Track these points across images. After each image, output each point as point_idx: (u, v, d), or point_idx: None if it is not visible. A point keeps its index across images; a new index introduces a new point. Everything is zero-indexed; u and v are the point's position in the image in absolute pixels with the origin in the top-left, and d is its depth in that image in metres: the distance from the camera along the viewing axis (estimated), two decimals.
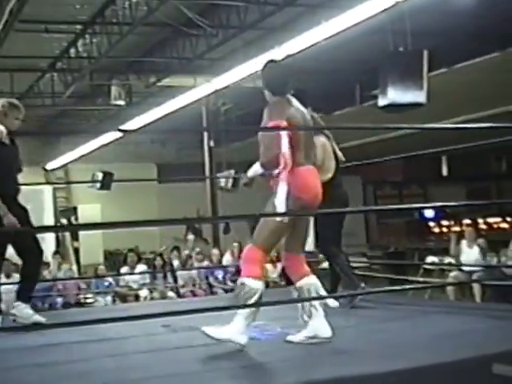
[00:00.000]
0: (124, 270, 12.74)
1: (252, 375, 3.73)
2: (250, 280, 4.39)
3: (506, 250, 10.98)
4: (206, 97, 14.70)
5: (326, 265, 12.09)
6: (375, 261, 15.48)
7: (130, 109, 15.00)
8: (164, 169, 22.23)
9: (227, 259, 13.32)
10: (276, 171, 4.41)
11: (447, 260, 11.76)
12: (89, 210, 18.75)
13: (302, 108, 4.74)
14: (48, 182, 20.04)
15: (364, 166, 7.51)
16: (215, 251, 13.62)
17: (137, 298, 12.03)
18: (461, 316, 5.47)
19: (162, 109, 14.86)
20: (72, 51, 12.60)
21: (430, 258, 12.38)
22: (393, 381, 3.60)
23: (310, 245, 7.84)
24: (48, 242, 16.41)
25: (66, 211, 20.48)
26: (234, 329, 4.32)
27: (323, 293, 4.70)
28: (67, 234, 17.64)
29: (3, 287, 11.60)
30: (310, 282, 4.62)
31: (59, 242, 17.58)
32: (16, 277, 12.23)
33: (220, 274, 12.67)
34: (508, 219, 22.23)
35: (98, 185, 13.95)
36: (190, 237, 14.46)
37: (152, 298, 11.88)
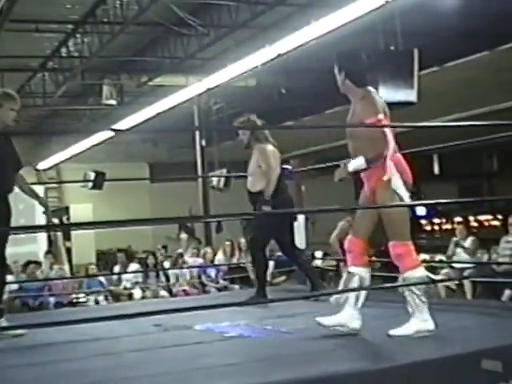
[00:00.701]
0: (117, 269, 12.74)
1: (243, 373, 3.75)
2: (411, 272, 4.48)
3: (496, 247, 11.02)
4: (198, 96, 14.70)
5: (318, 263, 12.16)
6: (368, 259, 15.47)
7: (121, 108, 15.00)
8: (156, 168, 22.24)
9: (219, 258, 13.34)
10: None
11: (438, 257, 11.79)
12: (81, 210, 18.71)
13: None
14: (40, 182, 19.98)
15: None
16: (208, 250, 13.63)
17: (129, 297, 12.03)
18: (452, 313, 5.50)
19: (153, 108, 14.86)
20: (63, 51, 12.60)
21: (421, 256, 12.40)
22: (383, 378, 3.63)
23: (301, 243, 7.90)
24: (40, 241, 16.38)
25: (58, 211, 20.43)
26: (420, 321, 4.42)
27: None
28: (59, 234, 17.59)
29: None
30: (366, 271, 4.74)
31: (51, 242, 17.54)
32: (8, 278, 12.25)
33: (212, 272, 12.68)
34: (499, 217, 22.25)
35: (90, 184, 13.95)
36: (184, 236, 14.45)
37: (144, 297, 11.89)
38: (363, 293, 4.61)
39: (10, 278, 12.15)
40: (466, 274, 10.60)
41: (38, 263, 12.89)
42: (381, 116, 4.56)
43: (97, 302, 11.86)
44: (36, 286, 11.96)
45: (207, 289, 12.35)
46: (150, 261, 12.92)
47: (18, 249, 15.84)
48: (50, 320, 5.58)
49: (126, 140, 19.77)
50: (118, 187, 15.88)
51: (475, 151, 22.06)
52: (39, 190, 19.24)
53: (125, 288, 12.24)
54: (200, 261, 12.93)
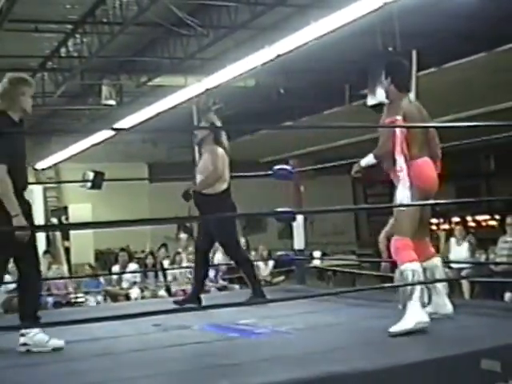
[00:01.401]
0: (115, 269, 12.75)
1: (242, 373, 3.77)
2: (406, 265, 4.69)
3: (494, 248, 11.05)
4: (197, 96, 14.71)
5: (317, 262, 12.19)
6: (365, 259, 15.52)
7: (120, 108, 15.00)
8: (155, 168, 22.23)
9: (218, 258, 13.34)
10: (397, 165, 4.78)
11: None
12: (80, 210, 18.71)
13: (417, 103, 5.17)
14: (38, 182, 19.97)
15: (354, 164, 7.52)
16: None
17: (128, 297, 12.04)
18: None
19: (152, 108, 14.86)
20: (63, 51, 12.59)
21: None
22: (382, 378, 3.65)
23: (300, 243, 7.93)
24: (39, 241, 16.37)
25: (57, 211, 20.44)
26: (413, 313, 4.55)
27: (444, 275, 5.13)
28: (58, 234, 17.60)
29: None
30: (434, 264, 5.06)
31: (50, 242, 17.54)
32: (6, 278, 12.25)
33: (212, 272, 12.69)
34: (497, 217, 22.25)
35: (89, 184, 13.93)
36: (183, 236, 14.44)
37: (143, 297, 11.90)
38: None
39: (8, 277, 12.18)
40: (463, 273, 10.63)
41: None
42: (398, 117, 4.81)
43: (98, 303, 11.86)
44: None
45: (207, 288, 12.36)
46: (149, 261, 12.94)
47: None
48: (49, 320, 5.60)
49: (125, 140, 19.77)
50: (117, 187, 15.85)
51: (473, 151, 22.07)
52: (38, 189, 19.30)
53: (121, 288, 12.25)
54: None
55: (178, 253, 13.26)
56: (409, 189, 4.79)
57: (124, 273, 12.30)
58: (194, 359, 4.00)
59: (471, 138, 6.42)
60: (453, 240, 11.42)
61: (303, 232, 7.94)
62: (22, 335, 4.58)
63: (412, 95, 8.75)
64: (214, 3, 10.56)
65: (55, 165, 20.55)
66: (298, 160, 7.99)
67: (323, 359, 3.96)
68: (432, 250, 5.22)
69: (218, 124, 6.84)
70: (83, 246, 17.92)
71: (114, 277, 12.51)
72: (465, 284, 10.50)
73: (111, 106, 14.58)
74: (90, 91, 15.45)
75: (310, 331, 4.96)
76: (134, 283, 12.31)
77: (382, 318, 5.06)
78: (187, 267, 12.66)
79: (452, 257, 11.15)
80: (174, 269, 12.52)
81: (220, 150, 6.56)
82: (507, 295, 9.54)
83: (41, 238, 16.29)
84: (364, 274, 12.70)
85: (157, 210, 18.82)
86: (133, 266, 12.72)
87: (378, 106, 8.86)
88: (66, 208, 20.01)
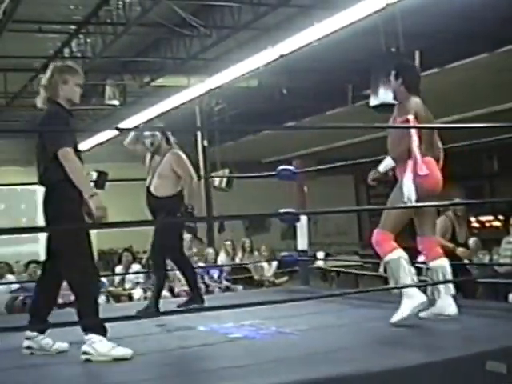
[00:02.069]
0: (118, 269, 12.74)
1: (246, 375, 3.77)
2: (390, 255, 4.94)
3: (498, 248, 11.01)
4: (200, 97, 14.72)
5: (320, 263, 12.19)
6: (368, 259, 15.50)
7: (124, 109, 15.01)
8: None
9: (222, 259, 13.34)
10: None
11: None
12: None
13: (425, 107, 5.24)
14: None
15: (356, 165, 7.53)
16: (210, 250, 13.62)
17: (130, 297, 12.03)
18: None
19: (156, 108, 14.88)
20: (66, 51, 12.59)
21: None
22: (386, 379, 3.64)
23: (303, 244, 7.92)
24: (42, 241, 16.35)
25: None
26: (407, 299, 4.80)
27: (450, 276, 5.16)
28: None
29: None
30: (442, 264, 5.19)
31: None
32: (9, 278, 12.26)
33: (215, 273, 12.68)
34: (500, 217, 22.22)
35: (93, 184, 13.95)
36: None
37: (146, 298, 11.88)
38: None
39: (11, 277, 12.19)
40: None
41: (39, 263, 12.89)
42: (410, 117, 4.96)
43: (107, 301, 11.85)
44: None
45: (210, 289, 12.36)
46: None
47: (19, 248, 15.90)
48: (53, 320, 5.60)
49: None
50: (120, 187, 15.79)
51: (476, 152, 22.05)
52: (41, 190, 19.26)
53: (123, 289, 12.24)
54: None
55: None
56: (413, 186, 4.91)
57: (128, 273, 12.29)
58: (198, 361, 4.00)
59: (474, 138, 6.41)
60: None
61: (307, 232, 7.93)
62: (28, 338, 4.49)
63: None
64: (217, 4, 10.56)
65: None
66: (300, 160, 7.98)
67: (327, 360, 3.95)
68: (439, 250, 5.32)
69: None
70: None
71: (117, 277, 12.50)
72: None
73: (115, 106, 14.59)
74: (94, 91, 15.44)
75: (314, 332, 4.96)
76: (137, 283, 12.30)
77: (386, 318, 5.05)
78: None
79: None
80: (172, 270, 12.50)
81: (182, 153, 6.58)
82: (511, 296, 9.52)
83: (44, 237, 16.31)
84: (367, 275, 12.69)
85: None
86: (136, 267, 12.70)
87: (381, 107, 8.85)
88: None
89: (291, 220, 7.73)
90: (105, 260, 18.49)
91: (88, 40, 11.92)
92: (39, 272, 12.69)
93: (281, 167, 7.46)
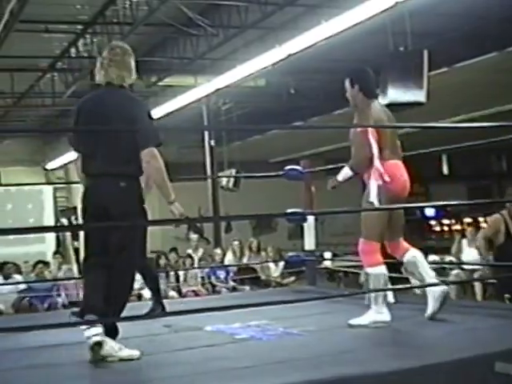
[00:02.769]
0: None
1: (253, 376, 3.74)
2: (371, 269, 5.01)
3: None
4: (207, 96, 14.70)
5: (328, 263, 12.14)
6: None
7: None
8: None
9: (229, 259, 13.33)
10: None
11: (448, 259, 11.75)
12: None
13: (384, 107, 5.40)
14: (48, 182, 20.02)
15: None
16: (218, 251, 13.61)
17: (139, 297, 12.02)
18: (462, 315, 5.48)
19: (162, 108, 14.86)
20: (73, 51, 12.61)
21: (432, 257, 12.36)
22: (394, 380, 3.61)
23: (310, 244, 7.89)
24: (48, 242, 16.41)
25: (67, 211, 20.47)
26: (372, 313, 4.92)
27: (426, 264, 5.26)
28: (68, 234, 17.63)
29: (4, 288, 11.70)
30: (414, 254, 5.24)
31: (59, 242, 17.58)
32: (17, 278, 12.29)
33: (222, 273, 12.67)
34: None
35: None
36: (194, 236, 14.42)
37: None
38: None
39: (18, 277, 12.21)
40: (476, 275, 10.55)
41: (46, 263, 12.91)
42: (369, 129, 5.00)
43: None
44: (45, 287, 11.96)
45: (217, 289, 12.35)
46: (162, 261, 12.91)
47: (26, 248, 15.92)
48: (59, 321, 5.58)
49: None
50: None
51: (484, 152, 22.01)
52: (48, 190, 19.36)
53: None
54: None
55: (189, 256, 13.25)
56: (378, 192, 4.98)
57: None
58: (205, 361, 3.96)
59: (483, 138, 6.36)
60: (464, 241, 11.33)
61: (314, 233, 7.90)
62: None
63: (422, 94, 8.75)
64: (224, 3, 10.54)
65: (65, 165, 20.59)
66: (308, 160, 7.94)
67: (335, 361, 3.92)
68: (405, 244, 5.36)
69: None
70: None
71: None
72: (477, 286, 10.43)
73: None
74: None
75: (322, 333, 4.93)
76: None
77: (394, 319, 5.02)
78: (199, 267, 12.67)
79: (464, 258, 11.07)
80: (180, 270, 12.50)
81: None
82: None
83: (51, 238, 16.37)
84: None
85: (166, 210, 18.80)
86: None
87: (390, 106, 8.81)
88: (75, 208, 20.03)
89: (298, 220, 7.69)
90: None
91: (94, 40, 11.92)
92: (46, 272, 12.73)
93: (288, 167, 7.41)
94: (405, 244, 5.37)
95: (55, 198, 20.07)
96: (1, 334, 5.12)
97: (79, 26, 11.54)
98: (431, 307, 5.04)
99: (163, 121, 15.01)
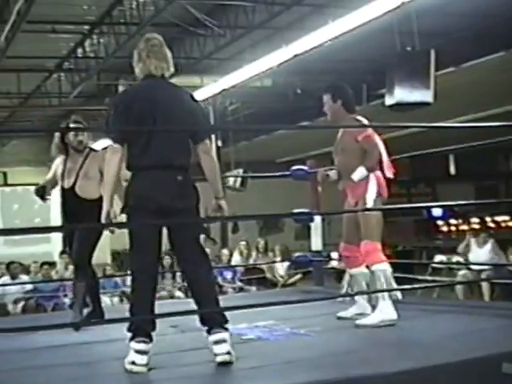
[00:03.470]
0: None
1: (261, 376, 3.73)
2: (379, 265, 5.20)
3: None
4: (214, 96, 14.69)
5: (335, 264, 12.12)
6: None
7: None
8: None
9: (236, 259, 13.31)
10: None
11: (455, 259, 11.73)
12: None
13: (363, 118, 5.62)
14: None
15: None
16: (225, 251, 13.60)
17: None
18: (469, 315, 5.47)
19: None
20: (79, 51, 12.62)
21: (439, 257, 12.35)
22: (401, 380, 3.61)
23: (318, 244, 7.88)
24: (54, 241, 16.43)
25: None
26: (381, 311, 5.03)
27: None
28: None
29: (12, 288, 11.72)
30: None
31: (66, 243, 17.58)
32: (23, 278, 12.30)
33: (229, 274, 12.65)
34: None
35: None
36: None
37: (160, 298, 11.88)
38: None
39: (25, 278, 12.23)
40: (483, 275, 10.53)
41: (52, 264, 12.93)
42: (370, 130, 5.41)
43: (112, 304, 11.85)
44: (51, 287, 11.97)
45: (224, 289, 12.34)
46: (167, 261, 12.91)
47: (32, 248, 15.93)
48: (66, 321, 5.58)
49: None
50: None
51: (492, 151, 21.94)
52: (56, 189, 19.35)
53: None
54: None
55: None
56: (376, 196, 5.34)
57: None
58: (211, 362, 3.95)
59: (490, 137, 6.34)
60: (473, 241, 11.30)
61: (321, 233, 7.89)
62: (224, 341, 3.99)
63: (429, 94, 8.73)
64: (231, 3, 10.53)
65: None
66: (315, 160, 7.92)
67: (342, 361, 3.92)
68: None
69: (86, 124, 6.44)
70: (100, 246, 17.89)
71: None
72: (485, 286, 10.40)
73: None
74: (107, 91, 15.46)
75: (329, 333, 4.92)
76: None
77: (402, 319, 5.01)
78: None
79: (472, 258, 11.04)
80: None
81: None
82: None
83: (57, 238, 16.37)
84: None
85: None
86: None
87: (397, 106, 8.80)
88: None
89: (305, 220, 7.68)
90: (118, 260, 18.49)
91: (101, 40, 11.93)
92: (52, 273, 12.72)
93: (295, 167, 7.40)
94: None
95: None
96: (9, 334, 5.14)
97: (86, 27, 11.55)
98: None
99: None
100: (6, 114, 17.23)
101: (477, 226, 13.50)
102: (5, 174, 19.54)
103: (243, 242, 13.63)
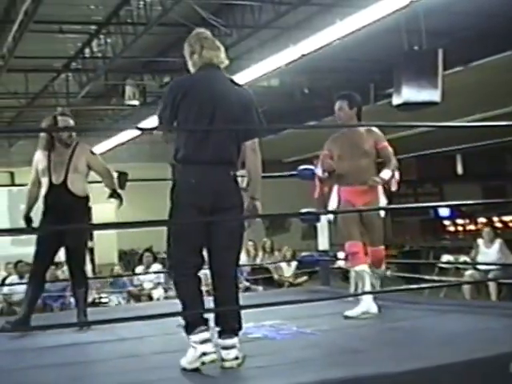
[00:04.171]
0: (139, 269, 12.75)
1: (268, 375, 3.73)
2: (383, 267, 5.99)
3: None
4: None
5: (342, 263, 12.10)
6: (390, 260, 15.42)
7: (144, 109, 15.02)
8: None
9: (243, 259, 13.30)
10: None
11: (462, 259, 11.70)
12: (103, 210, 18.75)
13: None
14: None
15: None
16: None
17: (151, 297, 12.04)
18: (477, 315, 5.45)
19: None
20: (87, 51, 12.63)
21: (446, 257, 12.32)
22: (409, 380, 3.60)
23: (324, 244, 7.89)
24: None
25: None
26: (364, 304, 5.48)
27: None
28: None
29: (19, 287, 11.74)
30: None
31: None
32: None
33: None
34: None
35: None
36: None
37: (166, 298, 11.89)
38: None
39: None
40: (491, 275, 10.50)
41: (58, 264, 12.93)
42: (386, 141, 5.94)
43: (118, 303, 11.87)
44: (58, 287, 11.98)
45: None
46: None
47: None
48: (73, 320, 5.60)
49: (148, 140, 19.81)
50: (141, 187, 15.78)
51: (499, 151, 21.89)
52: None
53: (142, 289, 12.24)
54: None
55: None
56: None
57: (149, 273, 12.29)
58: (219, 361, 3.95)
59: (497, 137, 6.33)
60: (480, 241, 11.26)
61: (327, 233, 7.89)
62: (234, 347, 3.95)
63: (437, 94, 8.73)
64: (237, 3, 10.52)
65: None
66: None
67: (348, 361, 3.92)
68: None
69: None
70: (107, 246, 17.98)
71: (138, 277, 12.51)
72: (492, 286, 10.38)
73: (134, 106, 14.60)
74: (114, 91, 15.48)
75: (335, 332, 4.92)
76: (158, 284, 12.31)
77: (408, 319, 5.01)
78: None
79: (480, 259, 11.01)
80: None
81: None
82: None
83: None
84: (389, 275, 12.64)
85: None
86: (156, 267, 12.71)
87: (404, 106, 8.79)
88: (89, 208, 20.05)
89: (312, 220, 7.69)
90: (126, 260, 18.54)
91: (108, 40, 11.93)
92: (59, 272, 12.72)
93: (301, 167, 7.40)
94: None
95: None
96: (16, 334, 5.16)
97: (93, 27, 11.56)
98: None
99: None
100: (14, 114, 17.26)
101: (484, 227, 13.41)
102: (12, 174, 19.56)
103: (250, 242, 13.63)
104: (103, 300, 12.06)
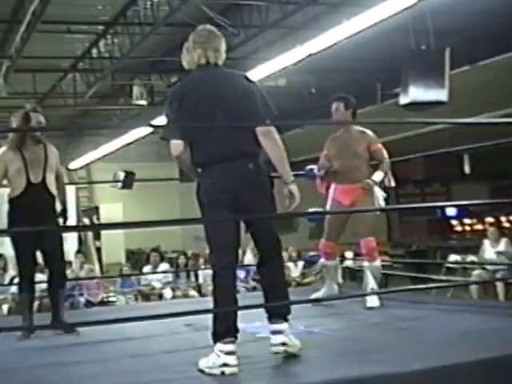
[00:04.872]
0: (147, 269, 12.77)
1: (274, 375, 3.74)
2: (377, 262, 6.23)
3: None
4: None
5: (349, 263, 12.11)
6: (397, 259, 15.41)
7: (151, 108, 15.04)
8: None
9: (249, 258, 13.31)
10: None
11: (470, 258, 11.68)
12: (111, 210, 18.81)
13: None
14: (70, 182, 20.10)
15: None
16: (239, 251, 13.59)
17: (160, 297, 12.05)
18: (484, 315, 5.45)
19: None
20: (94, 51, 12.66)
21: (453, 257, 12.31)
22: (416, 380, 3.59)
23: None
24: (70, 241, 16.49)
25: (88, 210, 20.56)
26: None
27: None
28: (89, 234, 17.70)
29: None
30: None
31: (81, 242, 17.65)
32: (38, 277, 12.31)
33: (242, 273, 12.64)
34: None
35: (120, 184, 14.04)
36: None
37: (174, 297, 11.91)
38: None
39: (41, 277, 12.25)
40: (498, 275, 10.49)
41: (68, 263, 12.95)
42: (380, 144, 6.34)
43: (127, 303, 11.88)
44: (67, 286, 11.99)
45: (237, 289, 12.32)
46: (181, 261, 12.93)
47: None
48: (82, 319, 5.61)
49: (156, 140, 19.82)
50: (148, 187, 15.90)
51: (506, 150, 21.82)
52: (70, 189, 19.42)
53: (152, 288, 12.25)
54: None
55: (198, 255, 13.26)
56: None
57: (157, 272, 12.30)
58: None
59: (505, 137, 6.32)
60: (486, 241, 11.24)
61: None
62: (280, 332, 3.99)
63: (444, 93, 8.71)
64: (244, 3, 10.54)
65: (87, 165, 20.67)
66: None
67: (356, 360, 3.91)
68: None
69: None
70: (114, 245, 18.03)
71: (146, 276, 12.53)
72: (499, 286, 10.36)
73: (142, 106, 14.63)
74: (121, 91, 15.51)
75: (343, 332, 4.92)
76: (167, 283, 12.33)
77: (416, 318, 5.01)
78: None
79: (487, 259, 10.99)
80: (199, 270, 12.52)
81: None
82: None
83: (73, 238, 16.44)
84: (397, 275, 12.64)
85: (187, 209, 18.83)
86: (164, 266, 12.73)
87: (411, 105, 8.78)
88: (97, 208, 20.12)
89: (319, 219, 7.67)
90: (133, 260, 18.57)
91: (116, 40, 11.96)
92: (68, 272, 12.72)
93: (308, 167, 7.39)
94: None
95: (77, 197, 20.19)
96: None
97: (100, 27, 11.59)
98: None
99: None
100: None
101: (491, 227, 13.40)
102: None
103: None
104: (111, 299, 12.08)
